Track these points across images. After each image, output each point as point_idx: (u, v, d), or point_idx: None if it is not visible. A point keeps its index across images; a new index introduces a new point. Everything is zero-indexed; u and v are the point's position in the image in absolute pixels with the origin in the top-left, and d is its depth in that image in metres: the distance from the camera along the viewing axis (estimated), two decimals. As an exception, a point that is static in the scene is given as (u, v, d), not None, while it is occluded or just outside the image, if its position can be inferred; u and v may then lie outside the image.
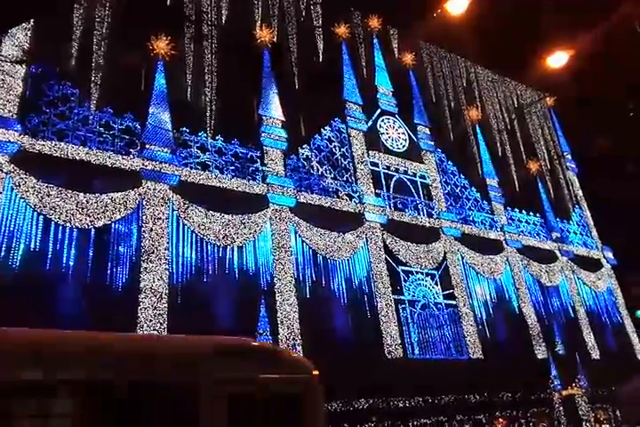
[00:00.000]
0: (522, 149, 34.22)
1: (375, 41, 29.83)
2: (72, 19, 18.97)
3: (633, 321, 33.16)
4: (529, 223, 31.62)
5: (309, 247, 21.41)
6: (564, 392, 23.25)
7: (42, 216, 16.15)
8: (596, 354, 29.06)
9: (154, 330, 16.22)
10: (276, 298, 19.26)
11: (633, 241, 35.00)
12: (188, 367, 5.15)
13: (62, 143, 17.25)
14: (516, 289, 27.82)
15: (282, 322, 18.87)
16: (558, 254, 31.32)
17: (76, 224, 16.62)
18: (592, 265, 33.16)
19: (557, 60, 31.37)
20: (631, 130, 38.00)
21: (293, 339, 18.64)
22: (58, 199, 16.51)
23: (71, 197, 16.77)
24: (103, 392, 4.57)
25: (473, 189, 29.76)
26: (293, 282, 20.03)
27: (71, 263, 16.17)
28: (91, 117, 18.40)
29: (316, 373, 6.01)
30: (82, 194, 17.00)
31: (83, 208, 16.84)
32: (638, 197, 36.06)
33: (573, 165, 37.05)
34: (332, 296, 21.08)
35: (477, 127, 32.10)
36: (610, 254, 34.52)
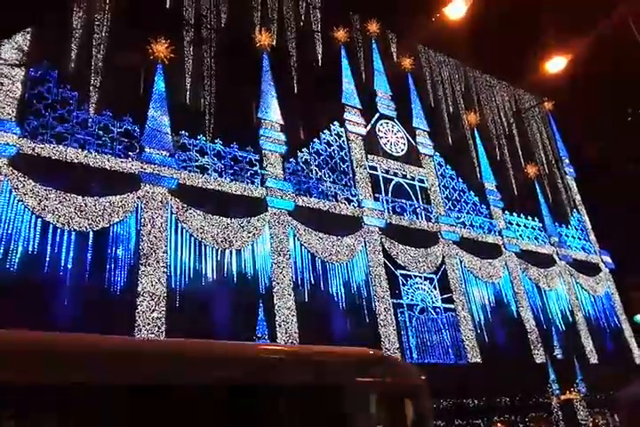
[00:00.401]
0: (520, 153, 34.34)
1: (374, 45, 29.91)
2: (71, 22, 18.99)
3: (631, 326, 33.14)
4: (527, 227, 31.64)
5: (308, 251, 21.39)
6: (563, 397, 23.23)
7: (40, 219, 16.12)
8: (594, 359, 29.03)
9: (151, 334, 16.17)
10: (275, 302, 19.22)
11: (631, 245, 35.06)
12: (337, 373, 6.15)
13: (61, 146, 17.24)
14: (515, 293, 27.81)
15: (280, 326, 18.82)
16: (556, 259, 31.35)
17: (75, 227, 16.59)
18: (590, 269, 33.17)
19: (555, 64, 31.49)
20: (629, 134, 38.13)
21: (292, 343, 18.58)
22: (56, 202, 16.48)
23: (69, 200, 16.75)
24: (291, 394, 5.62)
25: (471, 193, 29.78)
26: (292, 286, 20.00)
27: (69, 266, 16.13)
28: (90, 120, 18.39)
29: (423, 378, 6.93)
30: (80, 197, 16.98)
31: (81, 211, 16.82)
32: (636, 201, 36.16)
33: (571, 170, 37.13)
34: (331, 300, 21.05)
35: (476, 131, 32.18)
36: (608, 259, 34.55)
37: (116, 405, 4.63)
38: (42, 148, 16.80)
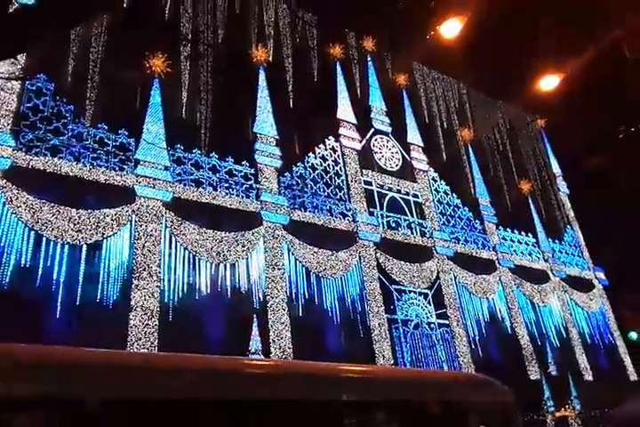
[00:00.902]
0: (514, 169, 34.56)
1: (369, 61, 30.23)
2: (68, 36, 19.08)
3: (625, 342, 33.10)
4: (521, 243, 31.72)
5: (302, 265, 21.32)
6: (558, 414, 23.06)
7: (33, 232, 16.01)
8: (588, 375, 28.91)
9: (144, 348, 15.98)
10: (269, 316, 19.09)
11: (625, 262, 35.21)
12: (450, 394, 6.94)
13: (56, 159, 17.22)
14: (509, 309, 27.76)
15: (274, 341, 18.67)
16: (550, 275, 31.38)
17: (68, 240, 16.49)
18: (584, 286, 33.21)
19: (548, 83, 32.02)
20: (622, 151, 38.53)
21: (285, 358, 18.42)
22: (50, 215, 16.40)
23: (63, 212, 16.67)
24: (412, 410, 6.34)
25: (465, 208, 29.90)
26: (286, 300, 19.89)
27: (62, 280, 15.99)
28: (85, 133, 18.40)
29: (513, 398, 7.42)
30: (74, 210, 16.91)
31: (75, 224, 16.74)
32: (629, 217, 36.40)
33: (565, 186, 37.37)
34: (325, 315, 20.93)
35: (470, 147, 32.41)
36: (601, 275, 34.62)
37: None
38: (36, 160, 16.77)
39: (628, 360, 31.95)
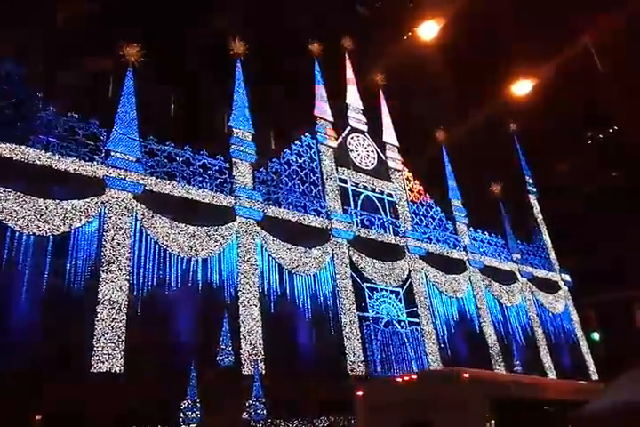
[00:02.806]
0: (486, 171, 35.07)
1: (347, 60, 30.23)
2: (41, 20, 18.54)
3: (588, 342, 33.97)
4: (491, 244, 32.21)
5: (275, 261, 21.17)
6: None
7: (-3, 221, 15.44)
8: (552, 374, 29.56)
9: (111, 342, 15.60)
10: (240, 312, 18.89)
11: (588, 265, 36.15)
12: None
13: (23, 147, 16.64)
14: (478, 308, 28.15)
15: (244, 337, 18.48)
16: (518, 275, 31.96)
17: (34, 231, 15.98)
18: (550, 287, 33.94)
19: (521, 87, 32.65)
20: (589, 156, 39.54)
21: (256, 354, 18.25)
22: (15, 205, 15.86)
23: (30, 202, 16.14)
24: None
25: (438, 208, 30.20)
26: (258, 296, 19.71)
27: (27, 271, 15.47)
28: (54, 122, 17.85)
29: None
30: (41, 200, 16.39)
31: (42, 214, 16.23)
32: (595, 221, 37.36)
33: (534, 189, 38.09)
34: (297, 311, 20.84)
35: (444, 149, 32.73)
36: (567, 277, 35.42)
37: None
38: (2, 147, 16.18)
39: (590, 360, 32.80)
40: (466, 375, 9.64)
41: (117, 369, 15.37)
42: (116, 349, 15.64)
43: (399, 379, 10.40)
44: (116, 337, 15.83)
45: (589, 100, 39.24)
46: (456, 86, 37.58)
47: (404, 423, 9.59)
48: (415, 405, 9.49)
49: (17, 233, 15.72)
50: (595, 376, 31.77)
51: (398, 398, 9.86)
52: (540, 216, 37.14)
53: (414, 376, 10.68)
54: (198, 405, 14.73)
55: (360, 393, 10.24)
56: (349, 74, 29.89)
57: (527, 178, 38.18)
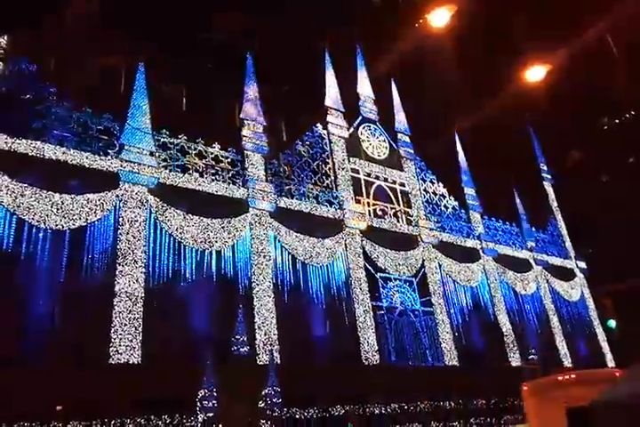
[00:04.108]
0: (500, 159, 34.76)
1: (358, 48, 30.04)
2: (54, 17, 18.69)
3: (604, 330, 33.77)
4: (505, 232, 32.04)
5: (288, 253, 21.32)
6: (538, 400, 23.45)
7: (15, 216, 15.76)
8: (568, 362, 29.49)
9: (128, 334, 15.91)
10: (254, 303, 19.11)
11: (605, 252, 35.79)
12: None
13: (39, 142, 16.90)
14: (492, 297, 28.11)
15: (259, 327, 18.71)
16: (533, 263, 31.79)
17: (51, 225, 16.27)
18: (565, 275, 33.73)
19: (535, 74, 32.18)
20: (605, 143, 38.95)
21: (271, 344, 18.48)
22: (32, 199, 16.15)
23: (46, 197, 16.43)
24: None
25: (451, 197, 30.06)
26: (272, 287, 19.90)
27: (45, 265, 15.79)
28: (68, 117, 18.07)
29: None
30: (57, 194, 16.67)
31: (58, 209, 16.51)
32: (611, 209, 36.91)
33: (549, 176, 37.71)
34: (311, 302, 21.01)
35: (457, 137, 32.48)
36: (583, 264, 35.15)
37: None
38: (19, 144, 16.45)
39: (606, 348, 32.64)
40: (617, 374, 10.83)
41: (135, 360, 15.69)
42: (134, 340, 15.94)
43: (560, 377, 12.00)
44: (133, 329, 16.13)
45: (605, 86, 38.55)
46: (469, 73, 37.13)
47: (569, 409, 11.09)
48: (576, 396, 10.64)
49: (34, 228, 16.02)
50: (611, 364, 31.62)
51: (561, 392, 11.36)
52: (555, 203, 36.81)
53: (573, 376, 12.32)
54: (215, 394, 14.98)
55: (525, 388, 12.13)
56: (360, 63, 29.72)
57: (542, 165, 37.80)
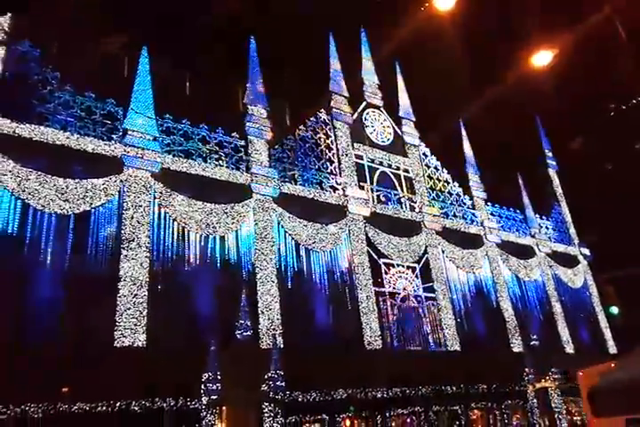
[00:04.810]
0: (504, 145, 34.55)
1: (362, 33, 29.73)
2: (55, 1, 18.53)
3: (606, 317, 33.86)
4: (509, 219, 32.00)
5: (292, 238, 21.37)
6: (538, 385, 23.66)
7: (20, 201, 15.83)
8: (570, 348, 29.64)
9: (133, 318, 16.05)
10: (258, 288, 19.22)
11: (608, 239, 35.71)
12: None
13: (42, 127, 16.89)
14: (495, 283, 28.17)
15: (262, 312, 18.85)
16: (536, 250, 31.79)
17: (55, 210, 16.34)
18: (569, 261, 33.73)
19: (541, 58, 31.78)
20: (610, 129, 38.62)
21: (274, 329, 18.64)
22: (37, 184, 16.21)
23: (50, 181, 16.48)
24: None
25: (455, 183, 29.98)
26: (275, 272, 19.99)
27: (49, 249, 15.90)
28: (72, 101, 18.03)
29: None
30: (61, 179, 16.72)
31: (62, 193, 16.57)
32: (615, 195, 36.74)
33: (554, 163, 37.52)
34: (314, 287, 21.12)
35: (461, 123, 32.27)
36: (586, 251, 35.14)
37: None
38: (22, 128, 16.45)
39: (608, 334, 32.77)
40: None
41: (140, 344, 15.86)
42: (138, 324, 16.10)
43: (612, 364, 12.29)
44: (138, 312, 16.27)
45: (612, 71, 38.10)
46: (474, 58, 36.74)
47: None
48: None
49: (39, 212, 16.09)
50: (613, 350, 31.78)
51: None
52: (559, 190, 36.67)
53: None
54: (219, 378, 15.16)
55: (581, 373, 12.19)
56: (365, 48, 29.43)
57: (547, 151, 37.56)
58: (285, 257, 20.85)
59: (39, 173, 16.32)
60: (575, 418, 24.88)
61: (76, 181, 17.01)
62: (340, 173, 24.48)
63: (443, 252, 26.74)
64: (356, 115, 26.87)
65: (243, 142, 21.68)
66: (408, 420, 20.08)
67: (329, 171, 24.25)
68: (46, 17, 18.71)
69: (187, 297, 17.82)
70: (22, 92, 17.04)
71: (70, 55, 18.80)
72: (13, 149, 16.05)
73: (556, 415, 23.60)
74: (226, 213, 19.90)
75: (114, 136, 18.44)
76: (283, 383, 16.20)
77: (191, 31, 25.01)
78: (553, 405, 23.90)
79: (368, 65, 29.02)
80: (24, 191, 15.92)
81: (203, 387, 15.06)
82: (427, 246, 26.05)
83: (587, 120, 40.13)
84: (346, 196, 23.85)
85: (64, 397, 13.46)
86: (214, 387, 15.09)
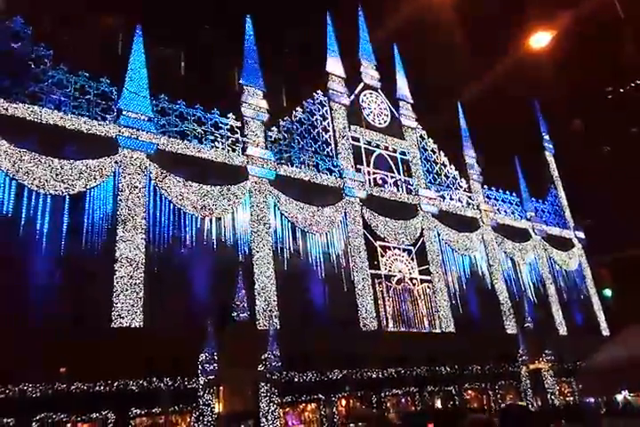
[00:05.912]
0: (501, 128, 34.42)
1: (360, 13, 29.32)
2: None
3: (600, 299, 34.19)
4: (505, 202, 32.05)
5: (288, 220, 21.34)
6: (532, 366, 23.96)
7: (15, 181, 15.70)
8: (563, 330, 29.98)
9: (130, 299, 16.07)
10: (254, 270, 19.25)
11: (604, 223, 35.89)
12: None
13: (35, 106, 16.66)
14: (490, 266, 28.33)
15: (259, 294, 18.92)
16: (532, 233, 31.92)
17: (50, 190, 16.22)
18: (564, 244, 33.91)
19: (539, 40, 31.46)
20: (607, 112, 38.50)
21: (270, 311, 18.72)
22: (31, 164, 16.04)
23: (45, 162, 16.32)
24: None
25: (452, 166, 29.92)
26: (271, 254, 20.01)
27: (45, 230, 15.81)
28: (65, 81, 17.76)
29: None
30: (56, 160, 16.55)
31: (57, 174, 16.43)
32: (611, 178, 36.80)
33: (551, 146, 37.45)
34: (310, 269, 21.17)
35: (459, 105, 32.08)
36: (581, 234, 35.31)
37: None
38: (15, 108, 16.22)
39: (602, 317, 33.13)
40: None
41: (137, 324, 15.91)
42: (135, 305, 16.13)
43: None
44: (135, 294, 16.29)
45: (611, 53, 37.83)
46: (472, 41, 36.37)
47: None
48: None
49: (34, 193, 15.97)
50: (605, 333, 32.16)
51: None
52: (555, 173, 36.68)
53: None
54: (215, 358, 15.26)
55: None
56: (363, 28, 29.04)
57: (543, 134, 37.46)
58: (282, 239, 20.84)
59: (33, 153, 16.14)
60: (568, 399, 25.27)
61: (71, 161, 16.84)
62: (337, 156, 24.35)
63: (439, 234, 26.80)
64: (352, 96, 26.63)
65: (239, 123, 21.48)
66: (402, 400, 20.34)
67: (325, 153, 24.12)
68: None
69: (183, 278, 17.85)
70: (15, 71, 16.76)
71: (63, 33, 18.48)
72: (7, 129, 15.85)
73: (548, 396, 23.94)
74: (222, 194, 19.81)
75: (108, 116, 18.21)
76: (279, 364, 16.33)
77: (187, 10, 24.60)
78: (546, 386, 24.24)
79: (365, 46, 28.68)
80: (19, 172, 15.77)
81: (200, 367, 15.16)
82: (423, 229, 26.09)
83: (584, 103, 39.97)
84: (342, 178, 23.76)
85: (61, 376, 13.51)
86: (211, 367, 15.19)
